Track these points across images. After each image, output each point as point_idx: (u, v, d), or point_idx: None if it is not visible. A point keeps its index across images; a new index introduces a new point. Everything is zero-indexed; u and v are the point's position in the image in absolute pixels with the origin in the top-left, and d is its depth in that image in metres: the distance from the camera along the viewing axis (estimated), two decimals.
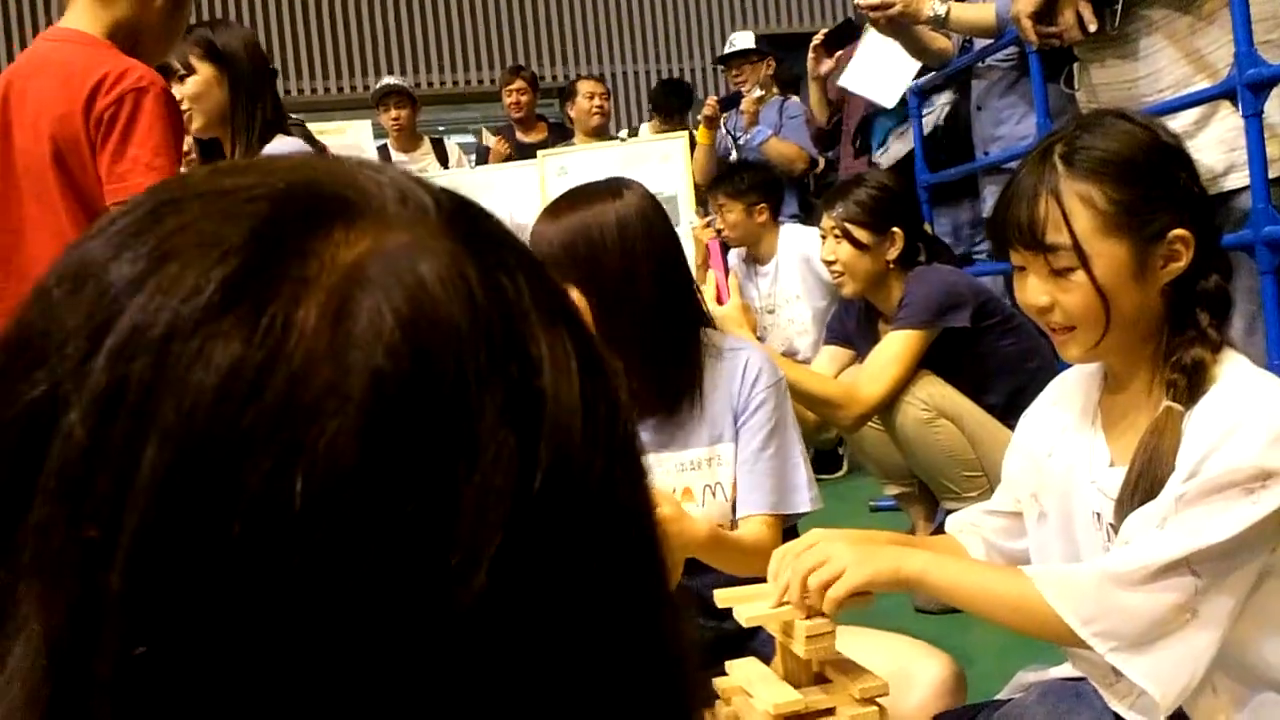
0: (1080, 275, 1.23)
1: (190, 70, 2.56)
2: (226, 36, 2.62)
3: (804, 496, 1.77)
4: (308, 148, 2.68)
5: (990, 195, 3.38)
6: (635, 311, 1.69)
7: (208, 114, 2.59)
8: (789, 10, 9.17)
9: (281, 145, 2.61)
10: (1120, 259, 1.23)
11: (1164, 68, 2.47)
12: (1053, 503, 1.40)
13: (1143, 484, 1.21)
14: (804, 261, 4.14)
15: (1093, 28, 2.46)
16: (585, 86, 5.68)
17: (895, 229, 2.53)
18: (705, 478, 1.78)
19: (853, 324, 2.75)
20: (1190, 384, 1.22)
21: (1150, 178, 1.25)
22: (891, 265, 2.55)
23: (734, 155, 5.16)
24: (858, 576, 1.25)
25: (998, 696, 1.57)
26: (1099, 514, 1.32)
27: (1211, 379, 1.22)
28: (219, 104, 2.59)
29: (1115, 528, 1.24)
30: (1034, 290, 1.28)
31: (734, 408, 1.76)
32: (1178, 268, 1.25)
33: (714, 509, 1.79)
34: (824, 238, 2.63)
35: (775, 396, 1.78)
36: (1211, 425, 1.18)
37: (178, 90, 2.56)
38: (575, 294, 1.63)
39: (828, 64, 4.45)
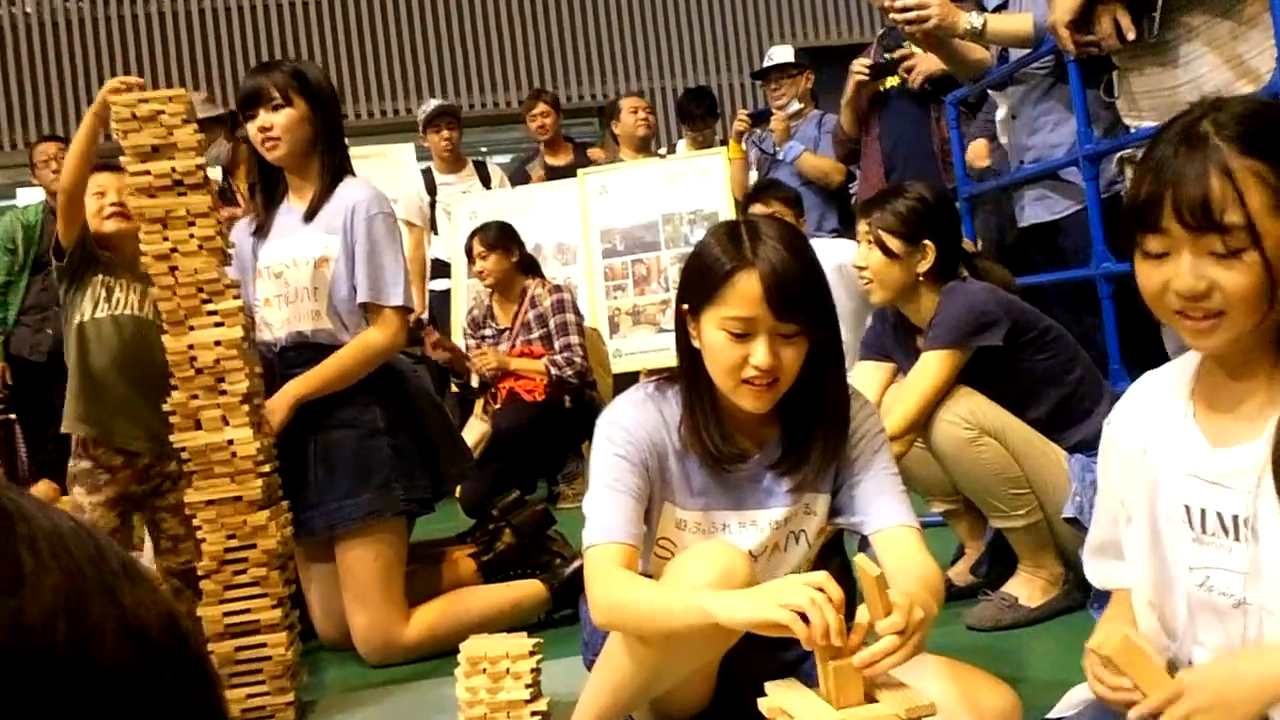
0: (1250, 256, 1.19)
1: (287, 101, 2.62)
2: (316, 75, 2.71)
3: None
4: (380, 190, 2.74)
5: (1028, 205, 3.36)
6: (834, 355, 1.72)
7: (293, 145, 2.65)
8: (824, 24, 9.16)
9: (355, 188, 2.68)
10: None
11: (1205, 74, 2.44)
12: (1140, 502, 1.37)
13: None
14: (835, 271, 4.12)
15: (1131, 35, 2.44)
16: (629, 103, 5.74)
17: (928, 241, 2.51)
18: (792, 526, 1.80)
19: (888, 337, 2.73)
20: None
21: None
22: (922, 278, 2.53)
23: (755, 172, 5.17)
24: None
25: (1051, 714, 1.56)
26: (1188, 506, 1.30)
27: None
28: (305, 138, 2.66)
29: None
30: (1189, 275, 1.21)
31: (837, 460, 1.78)
32: None
33: (795, 555, 1.81)
34: (859, 243, 2.63)
35: (880, 424, 1.82)
36: None
37: (269, 118, 2.62)
38: (793, 341, 1.64)
39: (868, 91, 4.43)
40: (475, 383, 4.64)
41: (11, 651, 0.41)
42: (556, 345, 4.50)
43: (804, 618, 1.33)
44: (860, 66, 4.28)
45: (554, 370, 4.42)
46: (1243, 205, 1.18)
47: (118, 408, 2.70)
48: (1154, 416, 1.38)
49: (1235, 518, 1.24)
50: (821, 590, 1.35)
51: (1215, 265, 1.20)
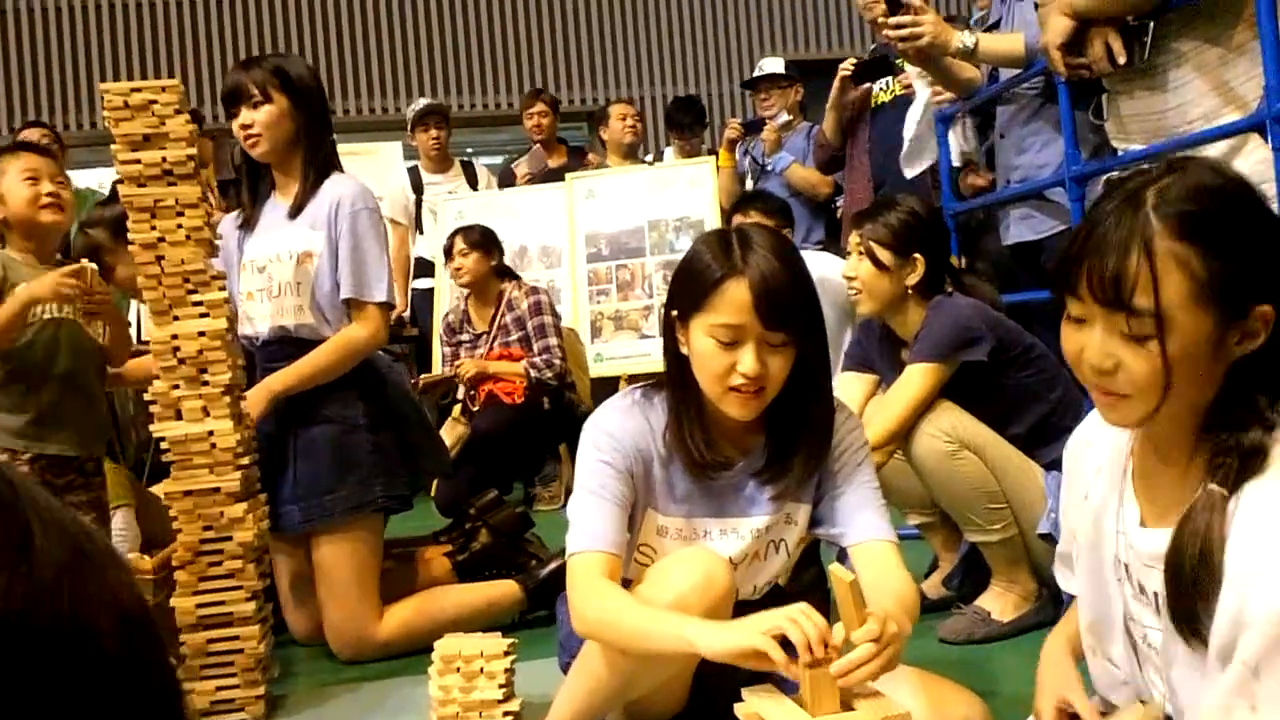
0: (1155, 345, 1.12)
1: (267, 98, 2.62)
2: (299, 69, 2.70)
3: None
4: (365, 185, 2.74)
5: (1014, 224, 3.38)
6: (820, 366, 1.72)
7: (274, 141, 2.65)
8: (815, 37, 9.20)
9: (341, 184, 2.69)
10: (1202, 332, 1.12)
11: (1193, 100, 2.47)
12: (1084, 543, 1.38)
13: (1191, 571, 1.13)
14: (816, 283, 4.13)
15: (1122, 60, 2.47)
16: (618, 109, 5.76)
17: (918, 255, 2.53)
18: (773, 535, 1.80)
19: (873, 348, 2.75)
20: (1241, 468, 1.12)
21: (1251, 248, 1.13)
22: (910, 290, 2.55)
23: (749, 181, 5.20)
24: None
25: None
26: (1127, 565, 1.29)
27: (1264, 464, 1.12)
28: (287, 134, 2.66)
29: (1171, 609, 1.16)
30: (1099, 350, 1.16)
31: (819, 471, 1.78)
32: (1252, 345, 1.14)
33: (775, 564, 1.82)
34: (850, 253, 2.65)
35: (864, 438, 1.82)
36: (1265, 536, 1.07)
37: (249, 115, 2.61)
38: (780, 350, 1.64)
39: (853, 94, 4.47)
40: (461, 393, 4.65)
41: (25, 613, 0.42)
42: (535, 347, 4.50)
43: (784, 643, 1.34)
44: (846, 65, 4.32)
45: (534, 373, 4.42)
46: (1155, 291, 1.11)
47: (43, 413, 2.67)
48: (1097, 461, 1.36)
49: (1155, 594, 1.23)
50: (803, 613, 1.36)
51: (1123, 346, 1.14)
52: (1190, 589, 1.13)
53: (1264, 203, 1.18)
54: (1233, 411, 1.16)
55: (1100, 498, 1.33)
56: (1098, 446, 1.37)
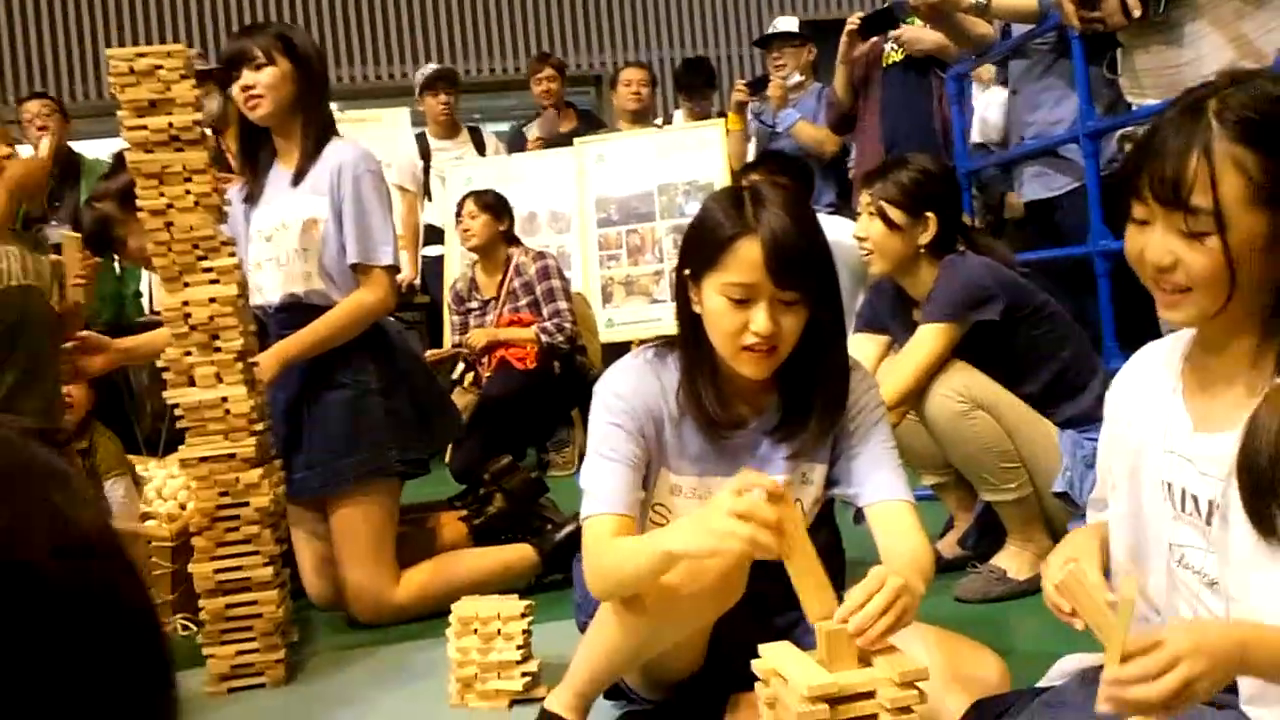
0: (1214, 241, 1.18)
1: (270, 60, 2.62)
2: (302, 39, 2.72)
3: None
4: (367, 149, 2.74)
5: (1027, 181, 3.36)
6: (834, 323, 1.72)
7: (276, 104, 2.65)
8: None
9: (342, 149, 2.69)
10: (1259, 231, 1.18)
11: (1209, 53, 2.44)
12: (1123, 473, 1.39)
13: (1268, 468, 1.16)
14: (832, 246, 4.12)
15: (1137, 13, 2.44)
16: (625, 74, 5.72)
17: (930, 214, 2.52)
18: (790, 494, 1.79)
19: (885, 309, 2.74)
20: None
21: None
22: (922, 250, 2.53)
23: (754, 143, 5.15)
24: None
25: (1039, 684, 1.57)
26: (1169, 484, 1.30)
27: None
28: (288, 97, 2.66)
29: (1248, 507, 1.19)
30: (1158, 247, 1.22)
31: (834, 430, 1.77)
32: None
33: None
34: (861, 214, 2.63)
35: (879, 398, 1.81)
36: None
37: (252, 76, 2.61)
38: (793, 308, 1.63)
39: (861, 49, 4.43)
40: (462, 366, 4.66)
41: None
42: (545, 311, 4.49)
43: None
44: (853, 19, 4.29)
45: (545, 337, 4.42)
46: (1213, 190, 1.16)
47: (8, 394, 2.65)
48: (1142, 390, 1.38)
49: (1210, 502, 1.24)
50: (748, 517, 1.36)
51: (1182, 242, 1.20)
52: (1268, 486, 1.16)
53: None
54: None
55: (1144, 426, 1.36)
56: (1140, 382, 1.40)
